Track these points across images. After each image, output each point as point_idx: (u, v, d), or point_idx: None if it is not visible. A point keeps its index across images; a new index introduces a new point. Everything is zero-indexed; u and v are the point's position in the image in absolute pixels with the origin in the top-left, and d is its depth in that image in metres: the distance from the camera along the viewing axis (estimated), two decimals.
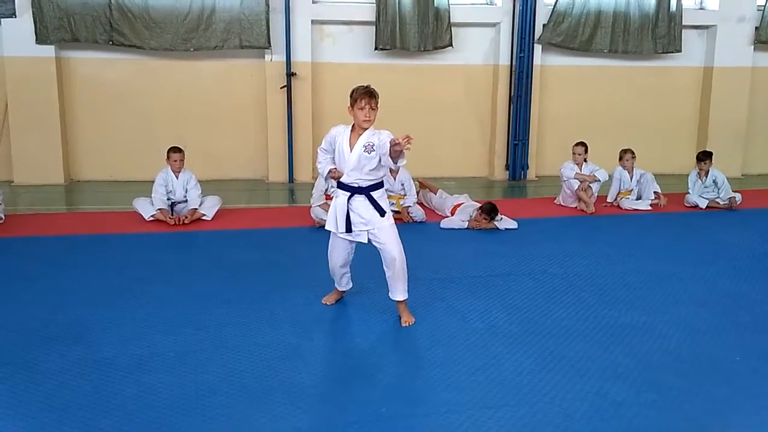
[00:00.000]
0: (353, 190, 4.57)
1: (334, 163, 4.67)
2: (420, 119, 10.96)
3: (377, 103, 4.51)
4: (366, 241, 4.67)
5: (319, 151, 4.76)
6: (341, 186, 4.62)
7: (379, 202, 4.59)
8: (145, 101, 10.35)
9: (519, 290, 5.38)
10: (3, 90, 9.85)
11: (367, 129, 4.51)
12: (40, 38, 9.68)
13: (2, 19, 9.62)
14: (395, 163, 4.42)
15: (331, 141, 4.66)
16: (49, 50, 9.79)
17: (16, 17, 9.60)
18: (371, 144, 4.46)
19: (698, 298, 5.25)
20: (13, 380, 3.74)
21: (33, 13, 9.58)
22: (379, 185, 4.64)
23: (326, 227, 4.82)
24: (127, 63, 10.25)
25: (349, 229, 4.62)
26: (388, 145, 4.31)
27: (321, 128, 10.64)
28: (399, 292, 4.66)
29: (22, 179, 9.95)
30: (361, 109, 4.45)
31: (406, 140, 4.18)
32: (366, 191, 4.57)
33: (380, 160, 4.46)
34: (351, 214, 4.59)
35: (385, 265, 4.66)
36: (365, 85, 4.53)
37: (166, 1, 9.89)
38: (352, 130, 4.58)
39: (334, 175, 4.67)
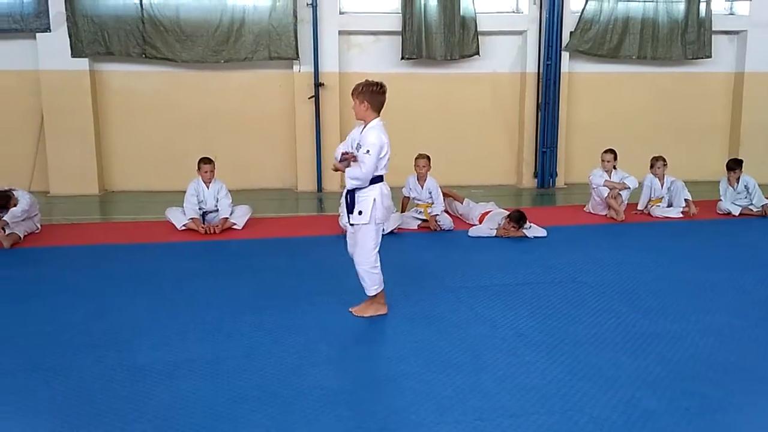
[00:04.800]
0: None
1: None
2: (447, 128, 10.99)
3: (358, 97, 4.73)
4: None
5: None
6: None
7: (357, 197, 4.73)
8: (176, 113, 10.52)
9: (548, 298, 5.35)
10: (39, 102, 10.09)
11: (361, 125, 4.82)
12: (75, 52, 9.90)
13: (37, 34, 9.86)
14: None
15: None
16: (83, 63, 10.02)
17: (50, 31, 9.83)
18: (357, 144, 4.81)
19: (731, 306, 5.18)
20: (50, 385, 3.83)
21: (68, 28, 9.81)
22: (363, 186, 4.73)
23: None
24: (159, 75, 10.43)
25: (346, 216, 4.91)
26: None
27: (347, 138, 10.71)
28: (364, 286, 4.89)
29: (58, 190, 10.17)
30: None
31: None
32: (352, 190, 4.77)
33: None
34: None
35: None
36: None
37: (197, 14, 10.06)
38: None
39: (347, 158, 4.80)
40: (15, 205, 7.15)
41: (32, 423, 3.43)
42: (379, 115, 4.77)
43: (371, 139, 4.63)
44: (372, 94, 4.69)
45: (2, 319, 4.89)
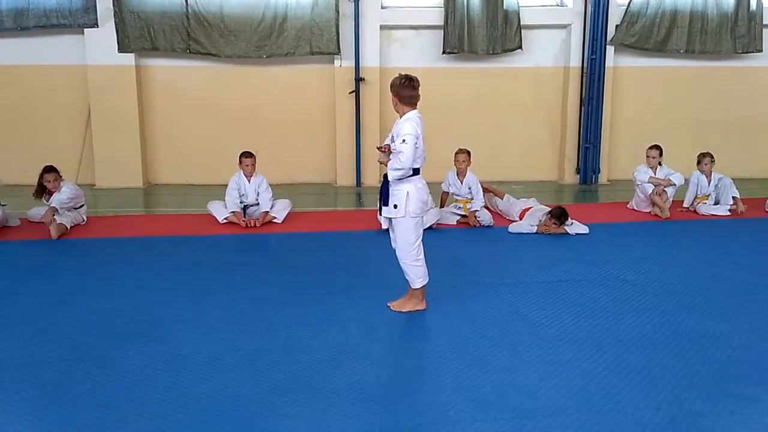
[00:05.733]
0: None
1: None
2: (488, 123, 10.90)
3: (391, 91, 4.79)
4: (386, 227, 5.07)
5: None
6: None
7: (392, 191, 4.75)
8: (219, 107, 10.64)
9: (590, 296, 5.27)
10: (86, 97, 10.31)
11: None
12: (122, 47, 10.08)
13: (85, 29, 10.07)
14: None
15: None
16: (129, 59, 10.20)
17: (98, 27, 10.03)
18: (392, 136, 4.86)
19: None
20: (94, 374, 3.91)
21: (115, 23, 9.99)
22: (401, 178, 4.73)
23: None
24: (203, 70, 10.56)
25: (380, 211, 4.93)
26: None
27: (389, 133, 10.71)
28: (408, 280, 4.92)
29: (104, 183, 10.39)
30: None
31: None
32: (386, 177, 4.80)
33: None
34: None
35: None
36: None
37: (240, 9, 10.15)
38: None
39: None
40: (58, 189, 7.32)
41: (76, 412, 3.50)
42: (414, 108, 4.76)
43: (406, 129, 4.64)
44: (399, 88, 4.70)
45: (47, 309, 5.01)
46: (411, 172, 4.71)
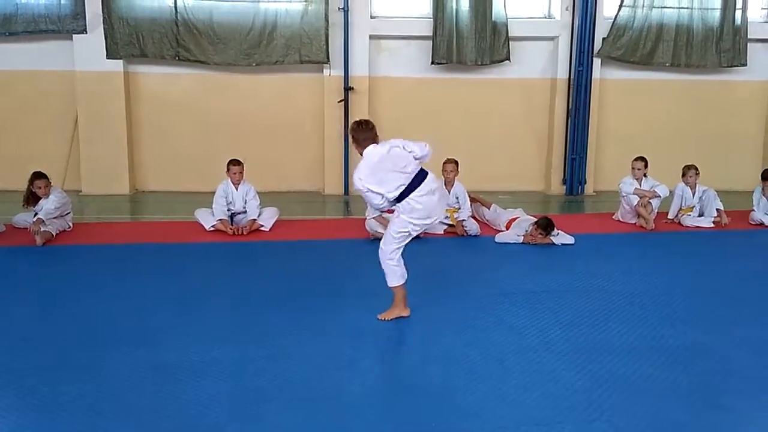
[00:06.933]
0: None
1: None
2: (476, 133, 10.96)
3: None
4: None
5: None
6: None
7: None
8: (207, 115, 10.63)
9: (575, 306, 5.30)
10: (74, 103, 10.27)
11: None
12: (111, 53, 10.06)
13: (74, 35, 10.04)
14: None
15: None
16: (118, 65, 10.17)
17: (87, 33, 10.00)
18: None
19: (763, 318, 5.08)
20: (79, 382, 3.88)
21: (104, 30, 9.97)
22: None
23: None
24: (191, 78, 10.56)
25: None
26: None
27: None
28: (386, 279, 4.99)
29: (90, 189, 10.33)
30: None
31: None
32: None
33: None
34: None
35: None
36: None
37: (230, 17, 10.17)
38: None
39: None
40: (47, 195, 7.29)
41: (60, 419, 3.49)
42: (372, 143, 5.05)
43: (355, 184, 5.06)
44: (355, 132, 5.14)
45: (33, 316, 4.98)
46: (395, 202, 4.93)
